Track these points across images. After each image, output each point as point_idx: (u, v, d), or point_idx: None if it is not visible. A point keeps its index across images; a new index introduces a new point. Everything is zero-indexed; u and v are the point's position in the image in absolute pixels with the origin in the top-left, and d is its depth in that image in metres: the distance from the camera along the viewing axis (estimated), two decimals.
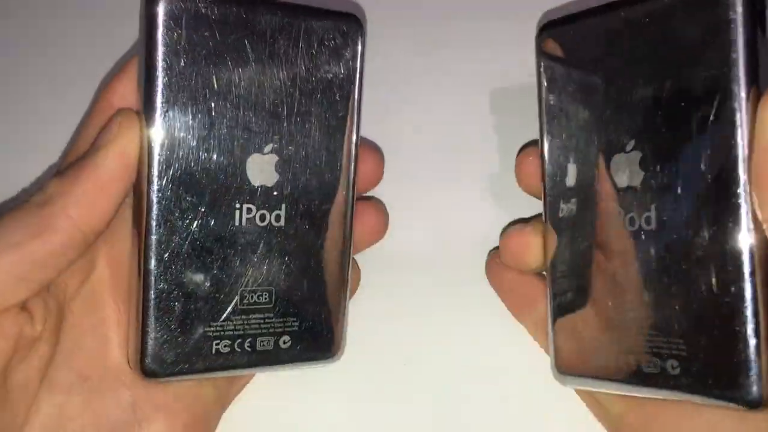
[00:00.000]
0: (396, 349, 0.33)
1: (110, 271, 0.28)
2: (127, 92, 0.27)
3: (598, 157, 0.27)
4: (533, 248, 0.30)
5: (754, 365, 0.23)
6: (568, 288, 0.28)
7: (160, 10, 0.25)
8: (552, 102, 0.29)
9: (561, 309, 0.28)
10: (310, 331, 0.29)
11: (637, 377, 0.26)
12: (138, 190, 0.26)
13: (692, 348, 0.24)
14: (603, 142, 0.27)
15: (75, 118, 0.33)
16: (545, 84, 0.29)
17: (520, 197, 0.31)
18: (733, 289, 0.23)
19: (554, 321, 0.29)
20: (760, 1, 0.23)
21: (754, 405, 0.23)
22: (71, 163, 0.25)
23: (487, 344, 0.33)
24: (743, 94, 0.23)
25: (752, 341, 0.23)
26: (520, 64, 0.32)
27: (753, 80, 0.23)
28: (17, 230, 0.24)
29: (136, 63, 0.27)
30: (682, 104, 0.24)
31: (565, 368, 0.28)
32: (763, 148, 0.22)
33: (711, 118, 0.24)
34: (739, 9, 0.23)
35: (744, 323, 0.23)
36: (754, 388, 0.23)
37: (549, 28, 0.29)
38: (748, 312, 0.23)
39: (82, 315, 0.27)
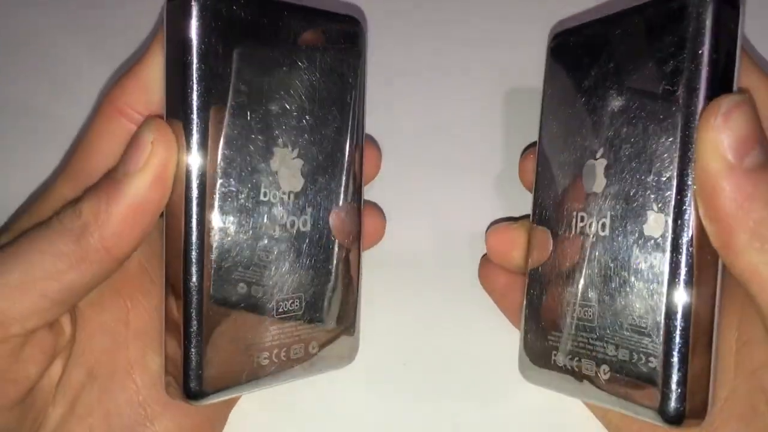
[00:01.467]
0: (396, 349, 0.33)
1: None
2: (133, 96, 0.26)
3: (577, 161, 0.28)
4: (518, 246, 0.30)
5: (676, 381, 0.23)
6: (535, 289, 0.29)
7: (194, 16, 0.24)
8: (551, 106, 0.29)
9: (527, 307, 0.29)
10: (333, 334, 0.29)
11: (579, 380, 0.27)
12: (172, 205, 0.25)
13: (623, 356, 0.25)
14: (582, 147, 0.28)
15: (77, 119, 0.32)
16: (549, 89, 0.30)
17: (521, 196, 0.32)
18: (667, 303, 0.23)
19: (525, 319, 0.29)
20: (734, 18, 0.23)
21: (673, 421, 0.23)
22: (103, 180, 0.24)
23: (487, 343, 0.33)
24: (700, 110, 0.23)
25: (677, 357, 0.23)
26: (520, 63, 0.32)
27: (713, 95, 0.23)
28: (55, 259, 0.24)
29: (143, 66, 0.26)
30: (651, 117, 0.25)
31: (528, 365, 0.29)
32: (705, 172, 0.22)
33: (669, 133, 0.24)
34: (707, 24, 0.23)
35: (673, 339, 0.23)
36: (673, 404, 0.23)
37: (560, 36, 0.29)
38: (678, 328, 0.23)
39: (92, 315, 0.27)
